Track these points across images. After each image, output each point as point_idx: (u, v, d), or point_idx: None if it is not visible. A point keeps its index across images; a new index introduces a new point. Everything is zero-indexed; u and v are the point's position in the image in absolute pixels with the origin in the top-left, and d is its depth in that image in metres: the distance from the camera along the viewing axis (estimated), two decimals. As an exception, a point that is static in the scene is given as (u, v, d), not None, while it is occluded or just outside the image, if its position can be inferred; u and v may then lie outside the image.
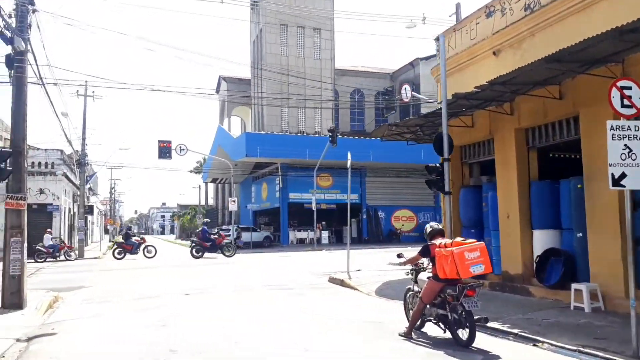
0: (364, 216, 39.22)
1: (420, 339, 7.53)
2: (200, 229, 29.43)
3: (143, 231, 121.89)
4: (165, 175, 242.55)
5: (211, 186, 71.64)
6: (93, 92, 31.70)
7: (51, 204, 31.47)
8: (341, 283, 14.75)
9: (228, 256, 26.20)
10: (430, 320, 7.66)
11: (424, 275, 7.97)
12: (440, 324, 7.45)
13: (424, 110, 44.69)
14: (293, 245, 37.55)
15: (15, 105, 11.47)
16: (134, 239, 29.04)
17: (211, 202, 72.52)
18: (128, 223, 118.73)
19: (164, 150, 32.88)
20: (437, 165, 11.96)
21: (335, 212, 39.29)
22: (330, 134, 29.57)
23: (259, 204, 41.51)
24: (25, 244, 11.35)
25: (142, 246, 28.02)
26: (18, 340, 8.47)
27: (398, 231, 38.94)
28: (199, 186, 64.55)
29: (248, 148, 35.52)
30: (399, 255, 8.28)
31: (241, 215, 47.62)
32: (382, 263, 19.92)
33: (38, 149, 32.98)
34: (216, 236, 27.12)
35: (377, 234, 39.18)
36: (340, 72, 50.81)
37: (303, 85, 50.76)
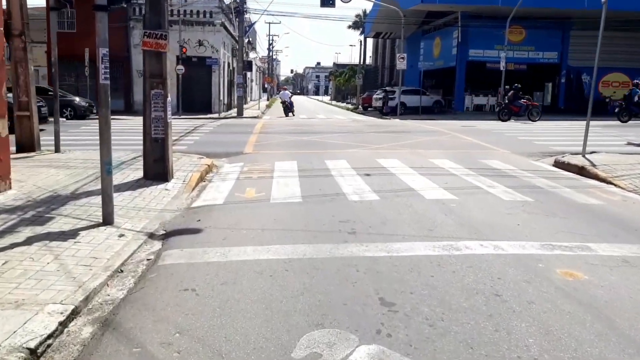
0: (563, 80, 31.92)
1: None
2: (510, 92, 25.83)
3: (298, 91, 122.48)
4: (322, 32, 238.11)
5: (370, 44, 66.55)
6: None
7: (210, 57, 29.45)
8: (579, 171, 10.02)
9: (533, 121, 24.89)
10: None
11: None
12: None
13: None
14: (469, 113, 32.24)
15: None
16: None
17: (369, 61, 67.85)
18: (284, 82, 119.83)
19: (327, -4, 28.49)
20: None
21: (524, 75, 32.55)
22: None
23: (430, 62, 35.86)
24: (169, 98, 8.24)
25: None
26: (152, 235, 5.55)
27: (607, 99, 31.28)
28: (360, 42, 59.42)
29: (424, -9, 29.32)
30: None
31: (404, 75, 42.49)
32: (611, 141, 14.54)
33: (195, -5, 30.48)
34: (525, 101, 25.95)
35: (579, 102, 32.02)
36: None
37: None
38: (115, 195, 6.15)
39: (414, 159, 11.33)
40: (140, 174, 8.55)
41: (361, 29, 61.04)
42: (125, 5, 7.26)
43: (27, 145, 10.84)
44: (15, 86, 10.58)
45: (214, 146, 13.73)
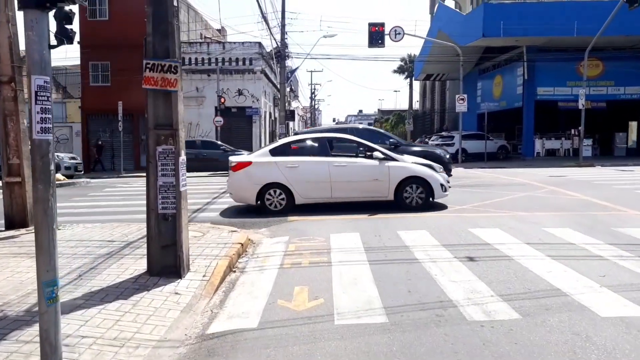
0: (652, 118, 28.16)
1: None
2: None
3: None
4: (364, 79, 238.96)
5: (416, 88, 64.12)
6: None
7: (250, 107, 27.59)
8: None
9: None
10: None
11: None
12: None
13: None
14: (541, 159, 28.77)
15: None
16: None
17: (415, 106, 65.24)
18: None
19: (376, 36, 26.27)
20: None
21: (602, 114, 29.05)
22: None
23: (491, 103, 32.80)
24: (183, 157, 5.69)
25: None
26: None
27: None
28: (409, 85, 56.93)
29: (486, 24, 26.41)
30: None
31: (458, 119, 39.62)
32: None
33: (234, 42, 28.98)
34: None
35: (671, 142, 28.26)
36: None
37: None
38: (94, 310, 3.56)
39: (522, 228, 8.33)
40: (143, 264, 5.95)
41: (406, 72, 58.82)
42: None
43: (18, 219, 8.54)
44: (4, 145, 8.37)
45: (251, 212, 11.14)
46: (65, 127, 26.50)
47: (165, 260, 5.77)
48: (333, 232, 8.40)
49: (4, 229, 8.49)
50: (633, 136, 28.76)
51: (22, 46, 8.85)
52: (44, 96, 3.08)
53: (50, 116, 3.13)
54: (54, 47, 8.22)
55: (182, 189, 5.64)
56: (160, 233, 5.74)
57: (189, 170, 6.33)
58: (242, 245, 7.38)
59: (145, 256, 5.91)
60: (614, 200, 11.14)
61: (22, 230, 8.28)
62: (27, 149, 8.48)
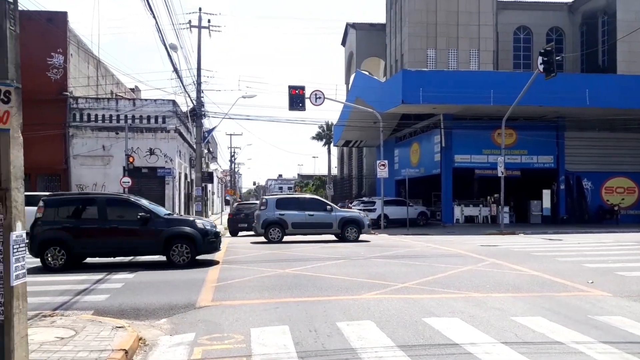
0: (562, 186, 28.72)
1: None
2: None
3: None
4: (284, 144, 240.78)
5: (335, 154, 64.23)
6: (209, 21, 24.57)
7: (163, 168, 25.26)
8: None
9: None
10: None
11: None
12: None
13: (622, 42, 33.29)
14: (461, 226, 28.37)
15: None
16: None
17: (334, 171, 65.10)
18: (246, 194, 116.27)
19: (297, 99, 25.35)
20: None
21: (516, 182, 29.54)
22: (545, 59, 19.79)
23: (410, 169, 32.55)
24: (19, 233, 3.61)
25: None
26: None
27: (615, 208, 28.12)
28: (328, 150, 56.63)
29: (405, 91, 26.23)
30: None
31: (377, 185, 39.33)
32: None
33: (146, 99, 26.89)
34: None
35: (581, 211, 28.77)
36: (501, 4, 40.18)
37: (455, 24, 41.02)
38: None
39: (486, 318, 6.79)
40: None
41: (324, 139, 58.88)
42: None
43: None
44: None
45: (152, 292, 8.93)
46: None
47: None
48: (254, 326, 6.45)
49: None
50: (547, 204, 29.34)
51: None
52: None
53: None
54: None
55: (15, 282, 3.55)
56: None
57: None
58: (125, 353, 5.22)
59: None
60: (567, 277, 10.03)
61: None
62: None
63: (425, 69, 32.37)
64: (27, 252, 11.35)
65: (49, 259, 11.71)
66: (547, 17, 40.96)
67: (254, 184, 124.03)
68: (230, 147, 63.10)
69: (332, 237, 19.76)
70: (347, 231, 18.89)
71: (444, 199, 29.33)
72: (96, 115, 25.48)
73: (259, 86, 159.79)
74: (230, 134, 60.98)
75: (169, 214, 13.40)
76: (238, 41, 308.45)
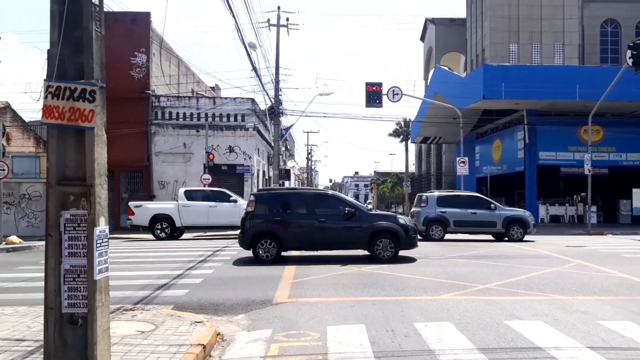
0: (656, 185, 26.68)
1: None
2: None
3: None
4: (360, 141, 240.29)
5: (412, 151, 63.19)
6: (287, 20, 24.85)
7: (242, 165, 25.84)
8: None
9: None
10: None
11: None
12: None
13: None
14: (546, 226, 26.90)
15: None
16: None
17: (412, 168, 64.04)
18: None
19: (374, 95, 25.17)
20: None
21: (604, 180, 27.66)
22: (634, 52, 18.40)
23: (491, 167, 31.31)
24: (103, 228, 3.73)
25: None
26: None
27: None
28: (405, 147, 55.82)
29: (487, 87, 25.34)
30: None
31: (457, 183, 38.18)
32: None
33: (225, 98, 27.66)
34: None
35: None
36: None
37: (538, 18, 39.18)
38: None
39: (572, 321, 6.39)
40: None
41: (401, 136, 58.04)
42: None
43: None
44: None
45: (231, 287, 9.09)
46: (39, 184, 24.47)
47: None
48: (330, 324, 6.38)
49: None
50: (637, 203, 27.25)
51: None
52: None
53: None
54: None
55: (98, 276, 3.66)
56: (65, 345, 3.72)
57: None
58: (204, 348, 5.30)
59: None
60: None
61: None
62: None
63: (508, 64, 31.00)
64: (239, 245, 12.23)
65: (260, 251, 11.97)
66: (635, 9, 38.19)
67: (330, 181, 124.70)
68: (307, 145, 63.83)
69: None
70: (513, 230, 17.93)
71: (528, 198, 28.00)
72: (177, 114, 26.46)
73: (336, 83, 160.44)
74: (307, 132, 61.44)
75: (370, 209, 14.02)
76: (316, 39, 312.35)
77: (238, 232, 12.93)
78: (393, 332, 5.93)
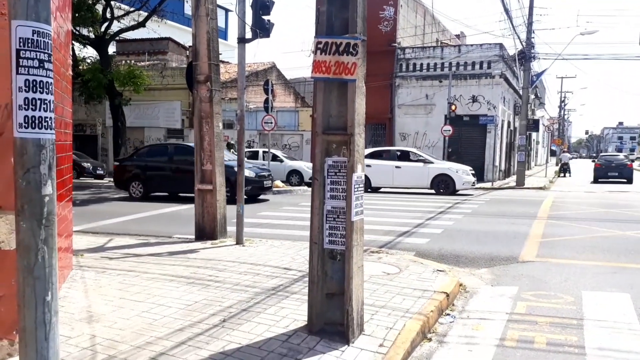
0: None
1: None
2: None
3: (593, 154, 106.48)
4: (631, 84, 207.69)
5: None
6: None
7: (485, 115, 24.74)
8: None
9: None
10: None
11: None
12: None
13: None
14: None
15: None
16: None
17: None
18: (575, 145, 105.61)
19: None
20: None
21: None
22: None
23: None
24: (359, 174, 4.01)
25: None
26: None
27: None
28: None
29: None
30: None
31: None
32: None
33: (471, 45, 26.51)
34: None
35: None
36: None
37: None
38: None
39: None
40: (304, 313, 4.41)
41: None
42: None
43: (208, 230, 7.92)
44: (199, 150, 7.84)
45: (471, 240, 8.95)
46: (297, 135, 27.45)
47: (330, 315, 4.16)
48: (587, 289, 5.84)
49: (194, 238, 7.97)
50: None
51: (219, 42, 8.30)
52: (35, 59, 1.64)
53: (47, 97, 1.68)
54: (248, 40, 7.36)
55: (354, 217, 3.95)
56: (326, 276, 4.16)
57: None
58: (447, 296, 5.37)
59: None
60: None
61: (208, 244, 7.61)
62: (220, 155, 7.82)
63: None
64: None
65: None
66: None
67: (586, 132, 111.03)
68: (561, 92, 57.82)
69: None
70: None
71: None
72: (421, 65, 26.45)
73: (602, 20, 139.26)
74: (562, 77, 55.34)
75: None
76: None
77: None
78: (668, 307, 5.13)
